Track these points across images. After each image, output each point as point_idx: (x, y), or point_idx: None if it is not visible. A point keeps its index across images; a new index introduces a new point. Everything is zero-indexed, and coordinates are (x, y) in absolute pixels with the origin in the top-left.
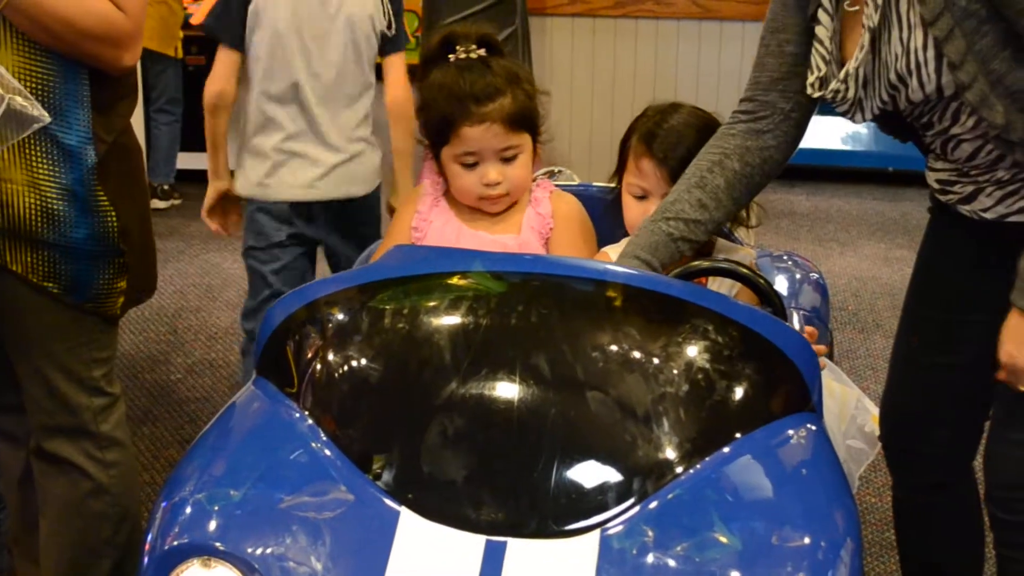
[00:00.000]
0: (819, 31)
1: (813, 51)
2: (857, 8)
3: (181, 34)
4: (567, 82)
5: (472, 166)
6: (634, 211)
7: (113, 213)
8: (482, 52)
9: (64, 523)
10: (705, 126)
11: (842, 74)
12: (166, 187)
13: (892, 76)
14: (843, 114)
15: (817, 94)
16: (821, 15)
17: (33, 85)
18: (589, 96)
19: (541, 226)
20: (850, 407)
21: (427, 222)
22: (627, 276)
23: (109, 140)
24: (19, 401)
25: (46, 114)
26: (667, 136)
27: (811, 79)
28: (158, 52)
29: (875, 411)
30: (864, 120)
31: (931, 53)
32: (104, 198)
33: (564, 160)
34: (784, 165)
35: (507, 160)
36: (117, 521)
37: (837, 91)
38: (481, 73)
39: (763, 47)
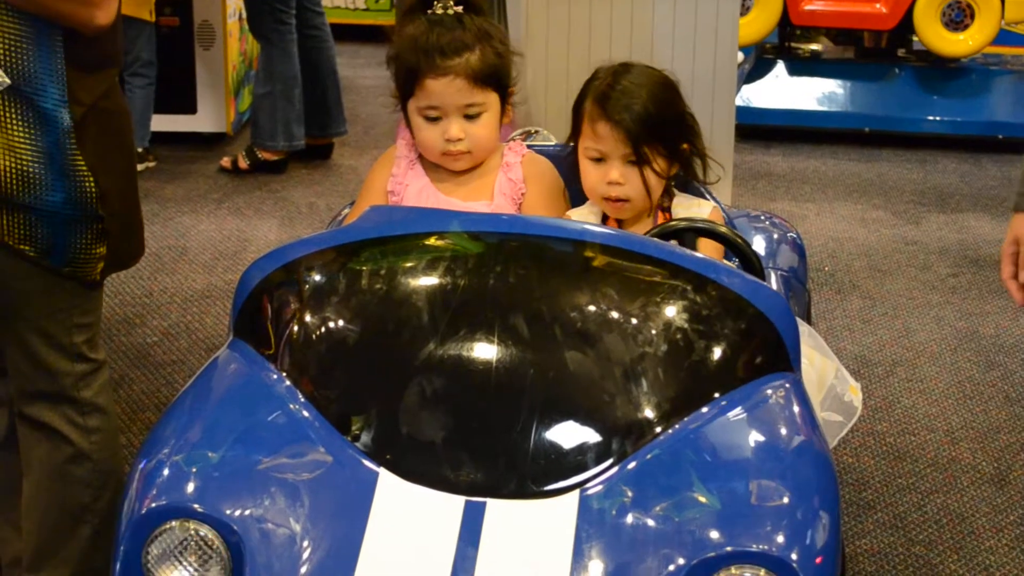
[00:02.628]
0: None
1: None
2: None
3: None
4: (543, 43)
5: (435, 120)
6: (592, 175)
7: (91, 178)
8: (459, 9)
9: (45, 488)
10: (657, 83)
11: None
12: (140, 150)
13: None
14: None
15: None
16: None
17: (4, 48)
18: (565, 56)
19: (513, 192)
20: (828, 378)
21: (403, 185)
22: (605, 236)
23: (88, 103)
24: (3, 364)
25: (5, 77)
26: (620, 97)
27: None
28: (131, 16)
29: (854, 382)
30: None
31: None
32: (82, 162)
33: (540, 121)
34: None
35: (471, 117)
36: (98, 487)
37: None
38: (451, 28)
39: None
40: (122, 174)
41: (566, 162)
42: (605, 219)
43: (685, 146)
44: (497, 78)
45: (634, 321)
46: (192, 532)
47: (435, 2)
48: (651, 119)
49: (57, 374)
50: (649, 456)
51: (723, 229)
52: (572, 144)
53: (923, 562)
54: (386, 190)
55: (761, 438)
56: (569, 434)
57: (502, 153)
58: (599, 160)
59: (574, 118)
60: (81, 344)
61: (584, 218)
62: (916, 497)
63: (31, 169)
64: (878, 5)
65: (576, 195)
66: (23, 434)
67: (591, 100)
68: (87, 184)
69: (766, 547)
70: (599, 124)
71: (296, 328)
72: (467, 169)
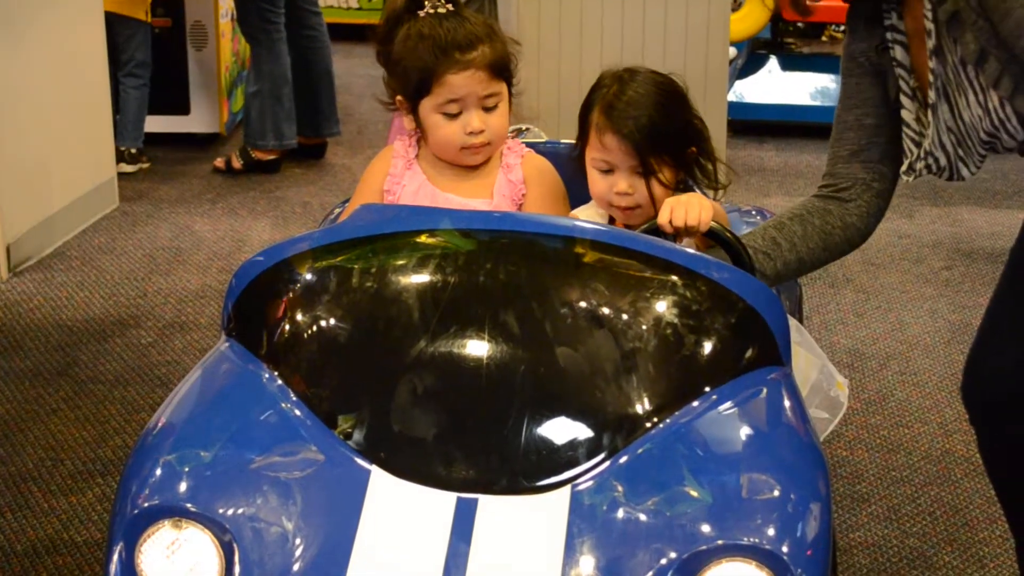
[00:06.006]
0: (905, 114)
1: (904, 135)
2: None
3: None
4: (534, 39)
5: (455, 116)
6: (600, 185)
7: None
8: (449, 7)
9: None
10: (664, 92)
11: (921, 152)
12: (134, 151)
13: (982, 135)
14: (948, 179)
15: (913, 178)
16: (903, 98)
17: None
18: (556, 54)
19: (513, 193)
20: (813, 375)
21: (400, 185)
22: (595, 232)
23: None
24: None
25: None
26: (627, 108)
27: (904, 166)
28: (127, 16)
29: (841, 378)
30: (972, 174)
31: (1009, 110)
32: None
33: (532, 117)
34: (868, 235)
35: (488, 109)
36: None
37: (928, 166)
38: (460, 23)
39: (840, 123)
40: None
41: (563, 160)
42: (612, 220)
43: (692, 150)
44: (506, 68)
45: (624, 316)
46: (185, 531)
47: (425, 3)
48: (657, 130)
49: None
50: (640, 451)
51: (713, 224)
52: (577, 147)
53: (917, 554)
54: (382, 190)
55: (752, 431)
56: (560, 430)
57: (501, 153)
58: (608, 171)
59: (580, 125)
60: None
61: (591, 217)
62: (910, 489)
63: None
64: None
65: (577, 194)
66: None
67: (598, 110)
68: None
69: (757, 540)
70: (606, 136)
71: (287, 327)
72: (472, 166)
